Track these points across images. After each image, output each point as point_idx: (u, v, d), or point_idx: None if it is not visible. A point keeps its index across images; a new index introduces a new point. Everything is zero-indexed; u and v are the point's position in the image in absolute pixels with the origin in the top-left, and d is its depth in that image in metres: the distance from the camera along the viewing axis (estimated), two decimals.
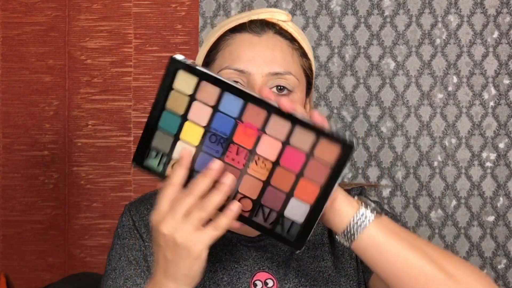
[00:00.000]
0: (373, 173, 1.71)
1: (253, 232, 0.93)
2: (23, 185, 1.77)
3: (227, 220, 0.71)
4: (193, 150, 0.72)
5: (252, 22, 0.92)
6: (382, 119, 1.71)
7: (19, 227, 1.77)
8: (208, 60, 0.95)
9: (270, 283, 0.91)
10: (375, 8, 1.70)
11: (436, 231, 1.70)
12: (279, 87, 0.90)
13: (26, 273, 1.76)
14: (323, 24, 1.70)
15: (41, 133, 1.76)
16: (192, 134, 0.72)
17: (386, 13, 1.70)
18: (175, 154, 0.73)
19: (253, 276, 0.91)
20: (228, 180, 0.71)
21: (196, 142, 0.72)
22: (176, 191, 0.71)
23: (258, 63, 0.89)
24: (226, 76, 0.89)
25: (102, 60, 1.75)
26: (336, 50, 1.70)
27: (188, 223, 0.70)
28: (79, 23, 1.76)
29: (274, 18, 0.93)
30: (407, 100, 1.70)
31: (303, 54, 0.95)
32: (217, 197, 0.70)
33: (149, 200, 0.98)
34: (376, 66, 1.70)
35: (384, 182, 1.71)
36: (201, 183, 0.70)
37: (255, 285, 0.90)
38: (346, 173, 1.71)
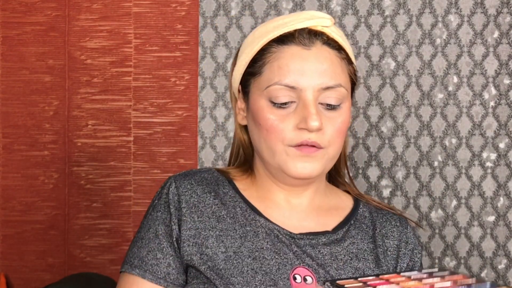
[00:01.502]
0: (373, 173, 1.71)
1: (295, 229, 0.94)
2: (23, 185, 1.76)
3: None
4: None
5: (298, 32, 0.92)
6: (382, 119, 1.70)
7: (19, 227, 1.77)
8: (254, 71, 0.94)
9: (309, 279, 0.91)
10: (375, 8, 1.70)
11: (436, 231, 1.70)
12: (329, 107, 0.90)
13: (26, 273, 1.76)
14: None
15: (41, 133, 1.76)
16: None
17: (386, 13, 1.70)
18: None
19: (294, 270, 0.91)
20: None
21: None
22: None
23: (309, 78, 0.89)
24: (275, 92, 0.90)
25: (102, 60, 1.75)
26: None
27: None
28: (79, 23, 1.76)
29: (319, 25, 0.92)
30: (407, 100, 1.70)
31: (349, 61, 0.95)
32: None
33: (193, 176, 0.98)
34: (376, 66, 1.70)
35: (384, 182, 1.71)
36: None
37: (295, 278, 0.91)
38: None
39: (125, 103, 1.75)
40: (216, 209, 0.95)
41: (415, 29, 1.70)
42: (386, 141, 1.70)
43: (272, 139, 0.92)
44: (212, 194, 0.96)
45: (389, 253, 0.99)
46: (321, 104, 0.91)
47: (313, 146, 0.91)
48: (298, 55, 0.91)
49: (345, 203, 1.02)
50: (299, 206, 0.98)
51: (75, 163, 1.76)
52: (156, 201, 0.97)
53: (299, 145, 0.91)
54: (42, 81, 1.76)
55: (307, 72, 0.89)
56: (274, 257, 0.91)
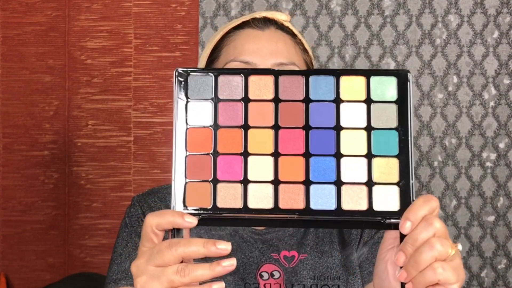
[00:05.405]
0: None
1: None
2: (23, 185, 1.77)
3: None
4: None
5: (254, 19, 0.95)
6: None
7: (19, 227, 1.77)
8: (212, 58, 0.96)
9: (277, 274, 0.91)
10: (375, 8, 1.70)
11: None
12: None
13: (26, 273, 1.76)
14: (323, 24, 1.70)
15: (41, 133, 1.76)
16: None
17: (386, 13, 1.70)
18: None
19: (260, 268, 0.91)
20: (229, 265, 0.61)
21: None
22: (164, 244, 0.62)
23: (263, 54, 0.91)
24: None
25: (102, 60, 1.75)
26: (336, 50, 1.70)
27: (156, 278, 0.61)
28: (79, 23, 1.76)
29: (275, 17, 0.96)
30: None
31: (304, 49, 0.97)
32: (203, 273, 0.60)
33: (156, 194, 0.99)
34: (376, 66, 1.70)
35: None
36: (194, 247, 0.61)
37: (261, 276, 0.91)
38: None
39: (125, 103, 1.75)
40: None
41: (415, 29, 1.70)
42: None
43: None
44: None
45: (354, 231, 0.98)
46: None
47: None
48: (252, 35, 0.93)
49: None
50: None
51: (75, 163, 1.76)
52: (127, 219, 0.97)
53: None
54: (42, 81, 1.76)
55: (262, 50, 0.91)
56: (241, 257, 0.92)
